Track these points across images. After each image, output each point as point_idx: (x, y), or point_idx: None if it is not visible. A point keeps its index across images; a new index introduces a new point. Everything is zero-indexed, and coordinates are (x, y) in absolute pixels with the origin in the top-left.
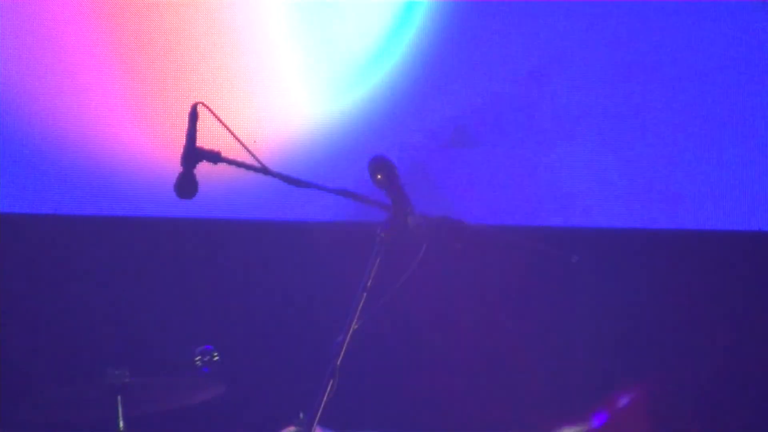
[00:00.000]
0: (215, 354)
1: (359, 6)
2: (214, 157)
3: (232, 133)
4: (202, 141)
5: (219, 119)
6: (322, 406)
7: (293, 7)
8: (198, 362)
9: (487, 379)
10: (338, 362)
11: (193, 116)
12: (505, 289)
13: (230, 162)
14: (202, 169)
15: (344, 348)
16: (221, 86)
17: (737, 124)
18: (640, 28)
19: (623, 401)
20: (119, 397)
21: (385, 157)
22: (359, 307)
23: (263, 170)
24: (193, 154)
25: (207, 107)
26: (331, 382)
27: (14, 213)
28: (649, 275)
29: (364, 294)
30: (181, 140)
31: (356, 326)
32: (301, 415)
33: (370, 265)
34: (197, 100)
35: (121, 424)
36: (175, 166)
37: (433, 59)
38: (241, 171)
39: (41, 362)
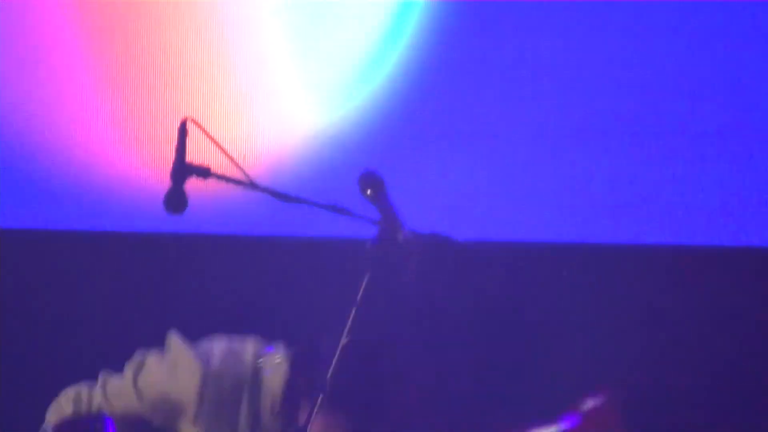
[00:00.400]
0: (278, 357)
1: (349, 17)
2: (204, 172)
3: (221, 148)
4: (192, 156)
5: (207, 134)
6: (312, 419)
7: (283, 21)
8: (260, 364)
9: (475, 393)
10: (328, 376)
11: (182, 132)
12: (493, 306)
13: (219, 177)
14: (192, 184)
15: (334, 363)
16: (211, 101)
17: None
18: (642, 31)
19: (594, 403)
20: None
21: (375, 171)
22: (349, 322)
23: (251, 185)
24: (182, 169)
25: (196, 122)
26: (320, 396)
27: (4, 228)
28: (640, 291)
29: (354, 309)
30: (171, 156)
31: (346, 341)
32: None
33: (360, 281)
34: (186, 115)
35: None
36: (164, 182)
37: (425, 74)
38: (231, 186)
39: (37, 377)
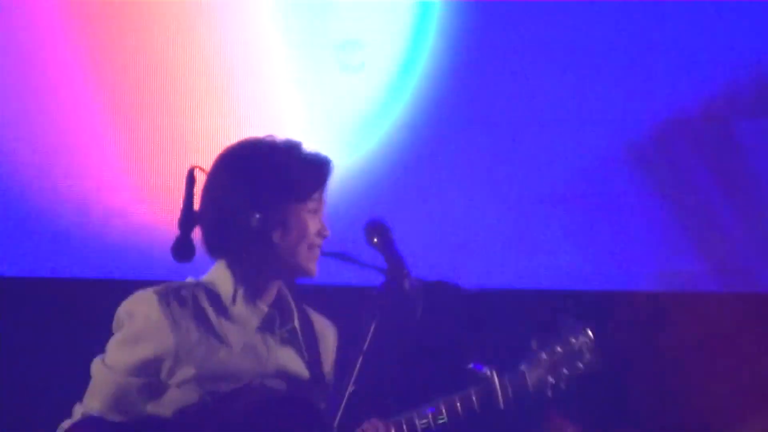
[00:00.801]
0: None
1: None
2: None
3: None
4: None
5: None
6: None
7: (293, 64)
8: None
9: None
10: (335, 424)
11: (190, 180)
12: (499, 353)
13: None
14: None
15: (341, 410)
16: (217, 148)
17: None
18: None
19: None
20: None
21: (381, 220)
22: (356, 369)
23: None
24: (190, 218)
25: (204, 171)
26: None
27: (10, 276)
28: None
29: (361, 356)
30: (179, 203)
31: (353, 388)
32: None
33: (366, 328)
34: (193, 164)
35: None
36: (173, 229)
37: (427, 128)
38: None
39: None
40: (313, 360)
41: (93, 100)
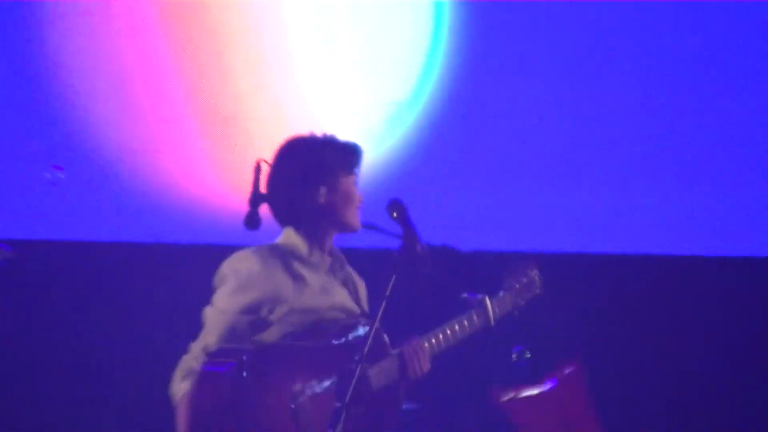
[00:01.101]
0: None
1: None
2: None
3: None
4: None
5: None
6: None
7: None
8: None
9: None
10: (365, 351)
11: (257, 170)
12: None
13: None
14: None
15: (369, 341)
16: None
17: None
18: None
19: (566, 371)
20: None
21: (399, 200)
22: (381, 310)
23: None
24: (256, 198)
25: (267, 162)
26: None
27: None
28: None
29: (384, 301)
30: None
31: (378, 325)
32: None
33: (388, 280)
34: (260, 157)
35: None
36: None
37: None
38: None
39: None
40: (356, 299)
41: (179, 98)
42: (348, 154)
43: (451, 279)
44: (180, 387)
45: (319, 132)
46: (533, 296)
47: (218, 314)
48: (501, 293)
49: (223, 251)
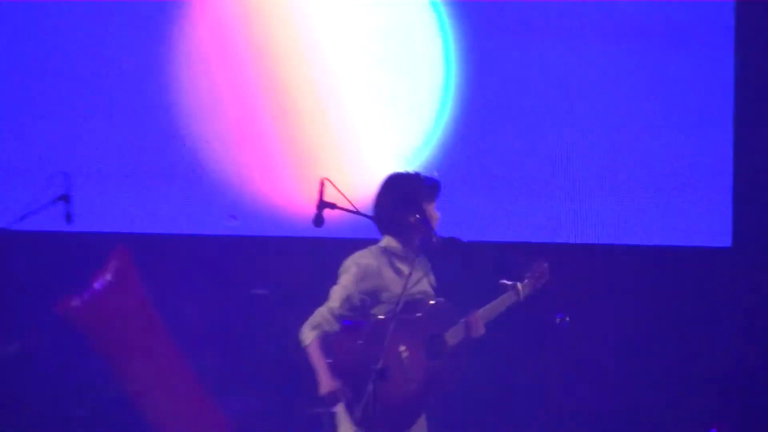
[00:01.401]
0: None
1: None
2: (332, 206)
3: (342, 194)
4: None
5: (335, 187)
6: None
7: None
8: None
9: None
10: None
11: (322, 185)
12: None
13: (340, 208)
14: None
15: (389, 337)
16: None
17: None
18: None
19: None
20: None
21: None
22: (403, 288)
23: (356, 212)
24: (321, 205)
25: (329, 181)
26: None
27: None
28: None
29: (405, 280)
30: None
31: (397, 309)
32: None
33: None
34: (324, 176)
35: None
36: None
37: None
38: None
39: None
40: (430, 282)
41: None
42: (431, 188)
43: (456, 262)
44: (309, 335)
45: (411, 169)
46: (545, 283)
47: (342, 290)
48: (525, 281)
49: (288, 243)
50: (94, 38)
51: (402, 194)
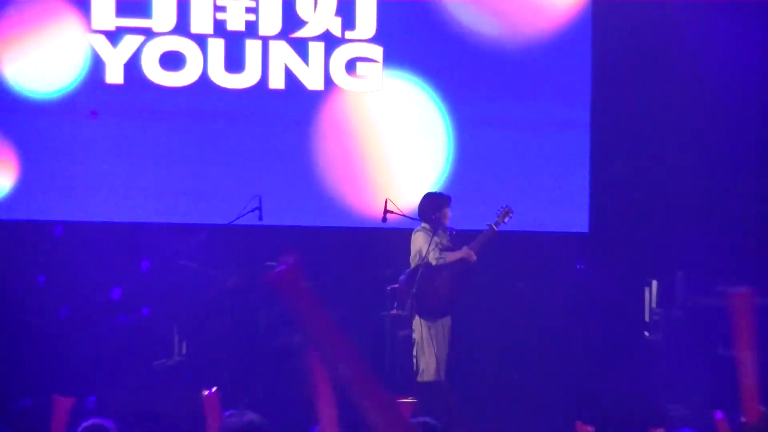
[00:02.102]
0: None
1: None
2: (391, 212)
3: (397, 208)
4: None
5: (393, 204)
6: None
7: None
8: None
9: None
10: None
11: (386, 203)
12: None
13: (396, 213)
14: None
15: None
16: (393, 183)
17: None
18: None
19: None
20: None
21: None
22: (419, 272)
23: (404, 215)
24: (386, 212)
25: (391, 201)
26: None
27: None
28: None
29: (422, 264)
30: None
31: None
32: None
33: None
34: (386, 197)
35: None
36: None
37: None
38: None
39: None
40: (449, 249)
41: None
42: (447, 200)
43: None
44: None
45: (436, 190)
46: (509, 217)
47: (416, 246)
48: (495, 220)
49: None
50: None
51: (431, 202)
